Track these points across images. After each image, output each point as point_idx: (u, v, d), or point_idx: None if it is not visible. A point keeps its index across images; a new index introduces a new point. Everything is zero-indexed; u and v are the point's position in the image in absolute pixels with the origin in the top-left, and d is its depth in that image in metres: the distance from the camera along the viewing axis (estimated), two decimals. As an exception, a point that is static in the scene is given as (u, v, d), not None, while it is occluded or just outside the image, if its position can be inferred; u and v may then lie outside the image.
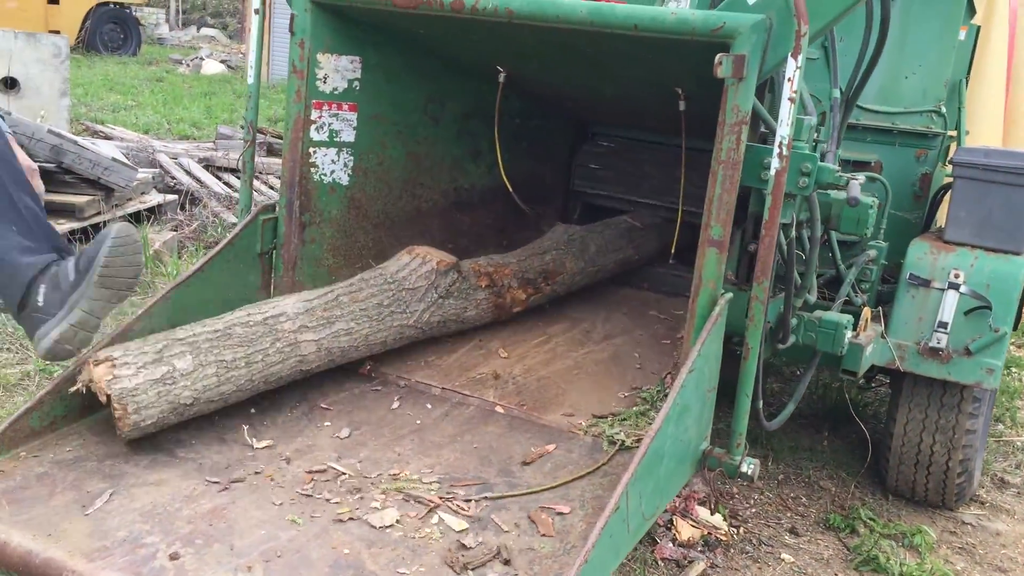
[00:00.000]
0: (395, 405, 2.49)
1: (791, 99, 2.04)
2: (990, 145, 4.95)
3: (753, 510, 3.69)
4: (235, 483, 2.04)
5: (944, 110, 3.91)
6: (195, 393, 2.14)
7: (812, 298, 3.22)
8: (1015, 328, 4.35)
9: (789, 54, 2.03)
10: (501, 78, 2.91)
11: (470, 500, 2.05)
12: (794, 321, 3.13)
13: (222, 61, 18.79)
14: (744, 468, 2.23)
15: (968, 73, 4.57)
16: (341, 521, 1.92)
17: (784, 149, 2.07)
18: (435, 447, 2.30)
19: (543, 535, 1.93)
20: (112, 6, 17.69)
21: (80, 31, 17.03)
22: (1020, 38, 5.61)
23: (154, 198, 6.45)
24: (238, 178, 7.19)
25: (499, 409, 2.51)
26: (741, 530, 3.52)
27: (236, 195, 6.89)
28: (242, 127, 4.07)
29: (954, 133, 4.31)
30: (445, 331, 2.93)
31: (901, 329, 3.50)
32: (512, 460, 2.26)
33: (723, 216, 2.17)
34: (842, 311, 3.35)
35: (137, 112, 11.55)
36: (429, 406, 2.49)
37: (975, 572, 3.38)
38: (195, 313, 2.49)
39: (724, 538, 3.41)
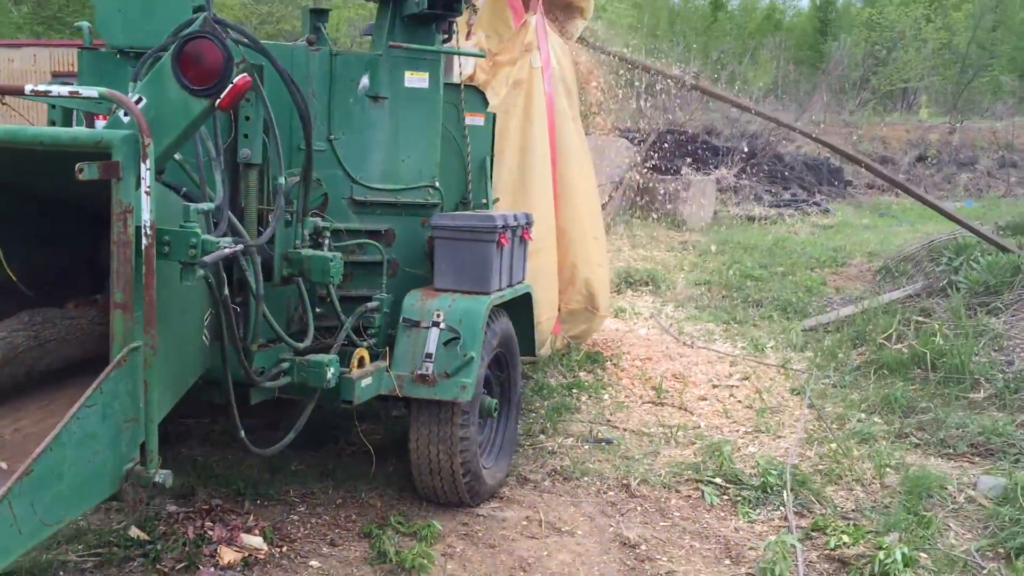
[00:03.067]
0: None
1: (146, 192, 2.72)
2: (526, 209, 6.03)
3: (304, 531, 4.32)
4: None
5: (438, 184, 4.79)
6: None
7: (303, 344, 3.94)
8: (532, 352, 5.33)
9: (132, 161, 2.72)
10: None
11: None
12: (286, 364, 3.85)
13: None
14: (157, 479, 2.85)
15: (492, 151, 5.59)
16: None
17: (148, 230, 2.74)
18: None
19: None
20: None
21: None
22: (557, 120, 6.79)
23: None
24: None
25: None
26: (284, 548, 4.13)
27: None
28: None
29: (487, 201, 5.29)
30: (63, 335, 3.39)
31: (401, 363, 4.30)
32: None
33: (123, 284, 2.80)
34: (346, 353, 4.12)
35: None
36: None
37: (469, 549, 4.17)
38: None
39: (263, 557, 4.01)
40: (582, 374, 6.62)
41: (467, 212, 4.91)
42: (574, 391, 6.27)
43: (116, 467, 2.81)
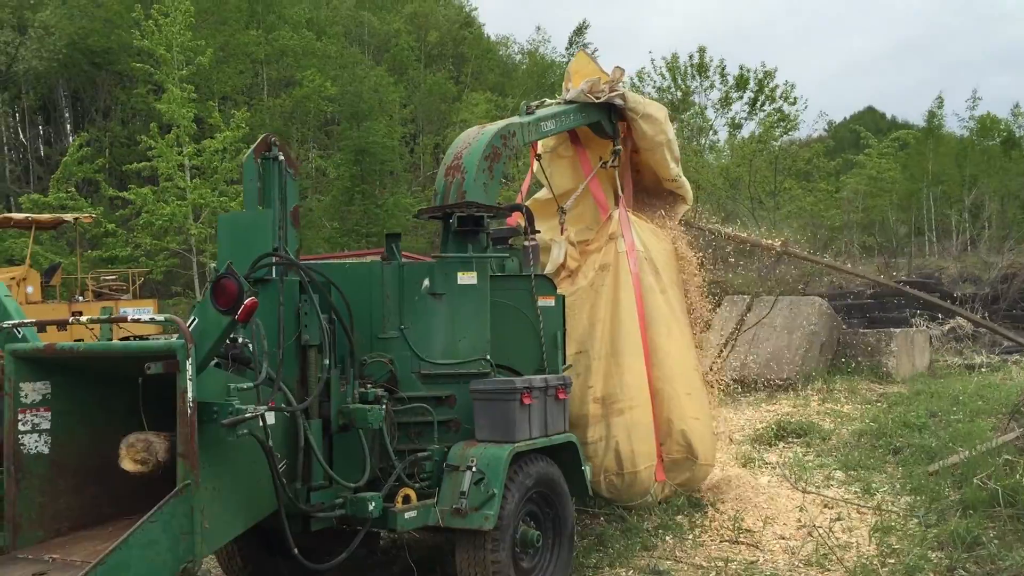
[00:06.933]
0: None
1: (190, 379, 4.19)
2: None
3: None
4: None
5: (489, 357, 6.01)
6: None
7: (354, 484, 5.18)
8: (585, 493, 6.23)
9: (184, 359, 4.20)
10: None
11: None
12: (340, 500, 5.14)
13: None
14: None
15: (563, 327, 6.74)
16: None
17: (191, 403, 4.18)
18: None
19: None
20: None
21: None
22: (644, 294, 7.81)
23: None
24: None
25: None
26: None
27: None
28: None
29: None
30: None
31: (445, 499, 5.45)
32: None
33: (184, 440, 4.25)
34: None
35: None
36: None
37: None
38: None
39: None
40: (679, 518, 7.28)
41: (501, 378, 6.01)
42: (660, 531, 6.96)
43: (174, 566, 4.17)
